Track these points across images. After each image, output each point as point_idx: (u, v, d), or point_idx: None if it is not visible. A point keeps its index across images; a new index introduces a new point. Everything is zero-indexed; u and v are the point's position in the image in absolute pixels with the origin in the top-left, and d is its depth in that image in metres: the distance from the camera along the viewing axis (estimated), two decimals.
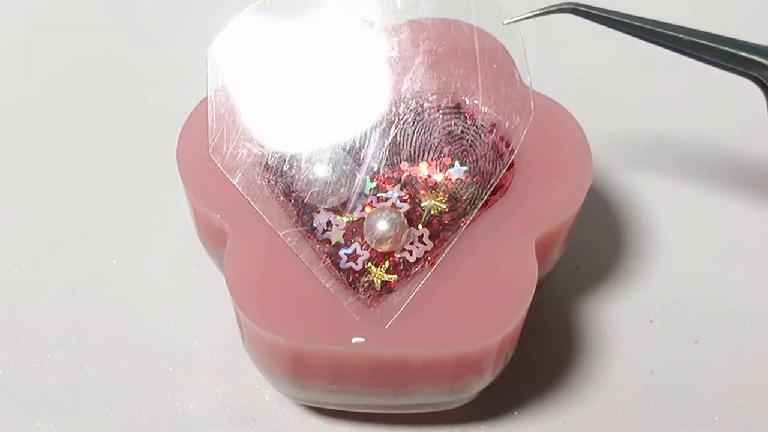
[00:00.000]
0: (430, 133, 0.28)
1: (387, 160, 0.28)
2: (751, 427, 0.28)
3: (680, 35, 0.23)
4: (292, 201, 0.26)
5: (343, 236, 0.27)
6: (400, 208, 0.28)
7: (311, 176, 0.27)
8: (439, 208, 0.28)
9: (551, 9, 0.22)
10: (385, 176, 0.29)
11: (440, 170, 0.29)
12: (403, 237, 0.27)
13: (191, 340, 0.29)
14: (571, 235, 0.27)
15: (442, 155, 0.29)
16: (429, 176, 0.29)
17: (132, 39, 0.37)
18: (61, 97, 0.35)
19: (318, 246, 0.25)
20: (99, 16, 0.38)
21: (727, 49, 0.23)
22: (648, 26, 0.23)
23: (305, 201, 0.27)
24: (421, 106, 0.28)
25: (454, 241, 0.25)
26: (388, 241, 0.26)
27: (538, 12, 0.23)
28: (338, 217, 0.28)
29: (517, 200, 0.25)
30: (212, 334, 0.29)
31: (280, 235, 0.25)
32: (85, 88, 0.35)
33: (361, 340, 0.23)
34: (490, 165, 0.27)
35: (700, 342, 0.30)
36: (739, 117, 0.35)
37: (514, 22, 0.22)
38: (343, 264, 0.27)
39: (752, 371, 0.29)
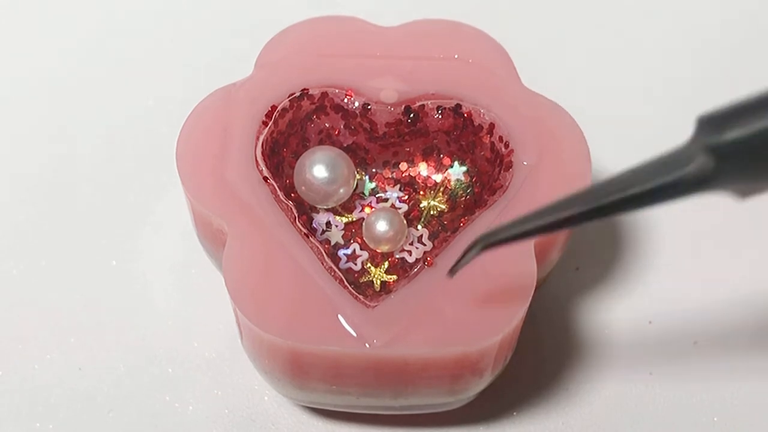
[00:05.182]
0: (430, 134, 0.28)
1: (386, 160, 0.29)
2: (751, 429, 0.28)
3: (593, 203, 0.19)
4: (291, 201, 0.26)
5: (343, 237, 0.27)
6: (399, 208, 0.28)
7: (310, 176, 0.27)
8: (438, 209, 0.28)
9: (467, 254, 0.21)
10: (385, 176, 0.29)
11: (439, 170, 0.29)
12: (402, 237, 0.27)
13: (190, 341, 0.29)
14: (570, 235, 0.27)
15: (441, 155, 0.29)
16: (428, 176, 0.29)
17: (131, 40, 0.37)
18: (60, 97, 0.35)
19: (317, 246, 0.25)
20: (97, 16, 0.38)
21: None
22: (555, 212, 0.20)
23: (304, 201, 0.28)
24: (421, 106, 0.28)
25: (453, 242, 0.25)
26: (387, 242, 0.26)
27: (461, 259, 0.21)
28: (337, 218, 0.28)
29: (516, 200, 0.25)
30: (211, 334, 0.29)
31: (279, 235, 0.25)
32: (84, 89, 0.35)
33: (361, 341, 0.23)
34: (489, 165, 0.27)
35: (700, 343, 0.30)
36: None
37: (457, 269, 0.22)
38: (342, 264, 0.27)
39: (752, 372, 0.29)
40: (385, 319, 0.23)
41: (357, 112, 0.28)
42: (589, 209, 0.19)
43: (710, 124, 0.18)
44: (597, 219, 0.19)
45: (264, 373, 0.26)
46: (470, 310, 0.24)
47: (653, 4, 0.39)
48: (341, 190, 0.27)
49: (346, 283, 0.24)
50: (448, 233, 0.27)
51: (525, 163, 0.26)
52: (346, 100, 0.28)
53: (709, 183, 0.18)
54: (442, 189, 0.28)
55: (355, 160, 0.28)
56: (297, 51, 0.28)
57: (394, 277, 0.26)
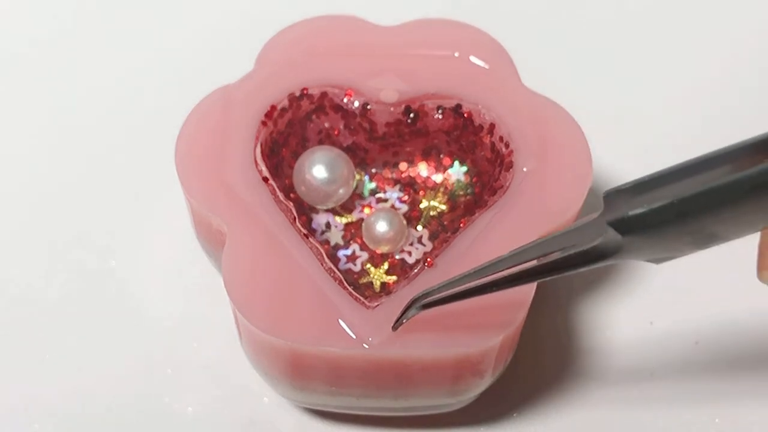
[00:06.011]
0: (430, 134, 0.28)
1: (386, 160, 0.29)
2: (752, 429, 0.28)
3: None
4: (291, 202, 0.26)
5: (342, 237, 0.27)
6: (399, 208, 0.28)
7: (310, 177, 0.27)
8: (439, 209, 0.28)
9: (404, 315, 0.22)
10: (384, 177, 0.29)
11: (439, 171, 0.28)
12: (402, 238, 0.27)
13: (190, 342, 0.29)
14: None
15: (442, 155, 0.28)
16: (428, 177, 0.28)
17: (130, 39, 0.37)
18: (59, 96, 0.35)
19: (317, 247, 0.25)
20: (97, 16, 0.38)
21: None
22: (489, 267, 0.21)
23: (304, 202, 0.27)
24: (421, 106, 0.27)
25: (453, 242, 0.25)
26: (387, 242, 0.26)
27: (401, 317, 0.23)
28: (337, 218, 0.28)
29: (517, 201, 0.25)
30: (211, 335, 0.29)
31: (279, 236, 0.25)
32: (83, 89, 0.35)
33: (361, 342, 0.23)
34: (490, 165, 0.27)
35: (701, 343, 0.30)
36: (741, 118, 0.35)
37: (398, 326, 0.23)
38: (341, 265, 0.27)
39: (752, 372, 0.29)
40: (384, 320, 0.23)
41: (357, 112, 0.28)
42: (513, 274, 0.21)
43: (616, 199, 0.19)
44: (521, 283, 0.21)
45: (264, 374, 0.26)
46: (471, 311, 0.24)
47: (653, 3, 0.39)
48: (341, 191, 0.27)
49: (345, 284, 0.24)
50: (449, 234, 0.27)
51: (525, 169, 0.26)
52: (345, 100, 0.28)
53: (617, 254, 0.19)
54: (442, 189, 0.28)
55: (355, 161, 0.28)
56: (297, 51, 0.28)
57: (394, 277, 0.26)
